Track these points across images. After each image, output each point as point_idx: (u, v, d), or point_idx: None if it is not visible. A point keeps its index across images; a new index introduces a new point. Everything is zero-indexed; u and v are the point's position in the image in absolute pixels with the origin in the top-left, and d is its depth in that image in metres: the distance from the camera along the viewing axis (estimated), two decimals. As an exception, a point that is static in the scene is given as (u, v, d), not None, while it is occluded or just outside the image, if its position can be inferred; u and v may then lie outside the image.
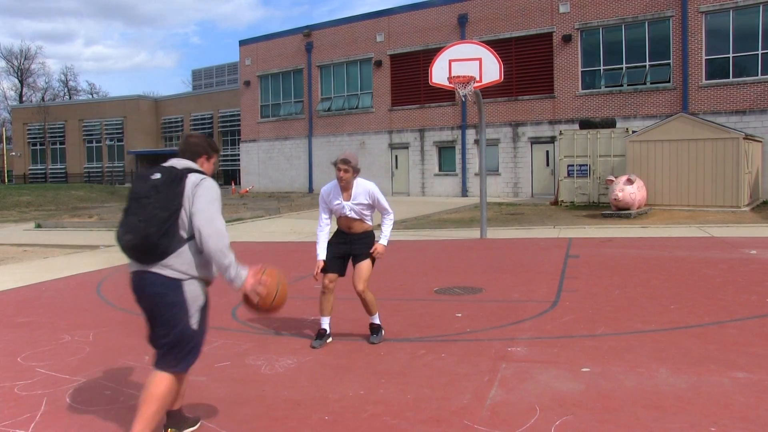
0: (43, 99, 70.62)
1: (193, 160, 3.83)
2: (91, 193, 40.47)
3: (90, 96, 78.55)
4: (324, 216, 5.95)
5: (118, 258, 12.58)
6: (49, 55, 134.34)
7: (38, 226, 20.39)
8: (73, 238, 16.61)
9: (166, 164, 3.70)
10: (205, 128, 50.73)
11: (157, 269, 3.54)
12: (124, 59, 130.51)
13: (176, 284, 3.55)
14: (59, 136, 57.27)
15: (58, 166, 57.39)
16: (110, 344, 6.12)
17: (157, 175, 3.58)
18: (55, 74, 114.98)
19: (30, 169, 58.61)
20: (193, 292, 3.63)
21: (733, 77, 23.34)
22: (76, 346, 6.09)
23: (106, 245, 14.92)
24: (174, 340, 3.60)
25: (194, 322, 3.67)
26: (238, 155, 42.08)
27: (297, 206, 24.75)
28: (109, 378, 5.06)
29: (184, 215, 3.55)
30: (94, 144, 55.90)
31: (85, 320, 7.18)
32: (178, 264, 3.54)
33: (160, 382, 3.56)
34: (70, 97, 76.63)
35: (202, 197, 3.57)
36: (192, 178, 3.63)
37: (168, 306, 3.56)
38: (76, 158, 56.35)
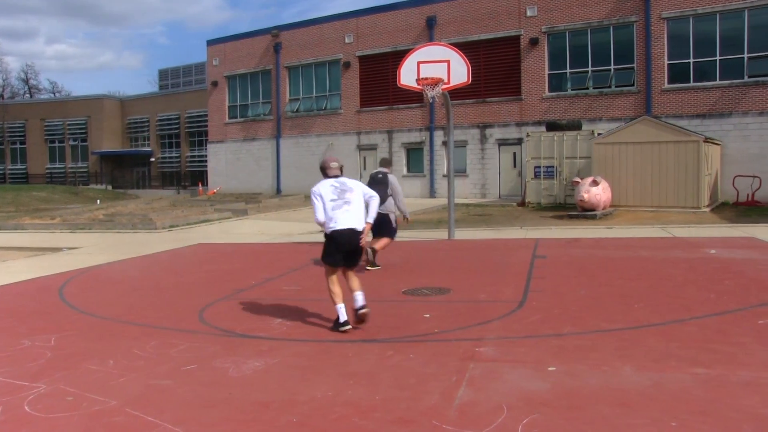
0: (1, 97, 69.09)
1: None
2: (54, 194, 39.79)
3: (52, 95, 77.08)
4: None
5: (81, 260, 12.40)
6: (8, 52, 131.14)
7: (-1, 228, 19.96)
8: (34, 241, 16.31)
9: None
10: (171, 129, 50.14)
11: None
12: (88, 58, 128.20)
13: None
14: (19, 136, 56.03)
15: (18, 167, 56.16)
16: (73, 349, 6.02)
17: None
18: (14, 72, 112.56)
19: (-13, 170, 57.29)
20: None
21: (694, 81, 23.80)
22: (36, 351, 5.97)
23: (69, 247, 14.67)
24: None
25: None
26: (206, 156, 41.67)
27: (265, 207, 24.60)
28: (71, 384, 4.97)
29: None
30: (57, 144, 54.85)
31: (47, 324, 7.05)
32: None
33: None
34: (31, 96, 75.09)
35: None
36: None
37: None
38: (37, 158, 55.24)
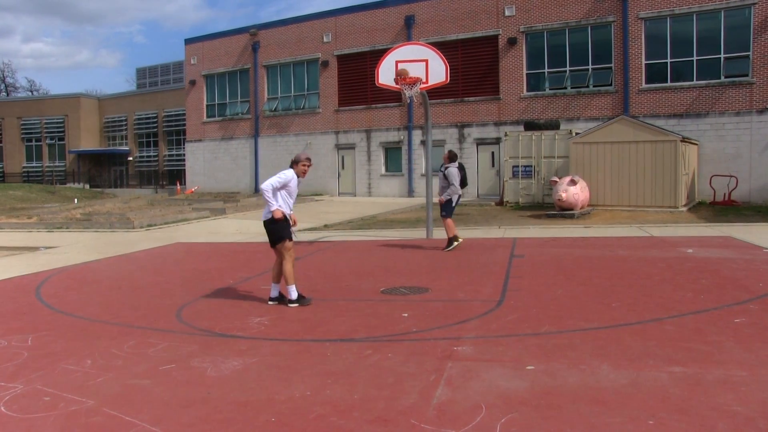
0: (-23, 95, 67.99)
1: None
2: (31, 193, 39.27)
3: (29, 93, 76.04)
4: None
5: (58, 260, 12.25)
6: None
7: (-27, 227, 19.65)
8: (11, 240, 16.09)
9: None
10: (149, 128, 49.71)
11: None
12: (65, 57, 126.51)
13: None
14: (-5, 135, 55.24)
15: (-6, 166, 55.38)
16: (50, 349, 5.95)
17: None
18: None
19: (-37, 169, 56.35)
20: None
21: (671, 82, 24.06)
22: (13, 351, 5.90)
23: (46, 247, 14.50)
24: None
25: None
26: (184, 155, 41.38)
27: (243, 206, 24.46)
28: (48, 384, 4.92)
29: None
30: (34, 143, 54.12)
31: (24, 324, 6.96)
32: None
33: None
34: (7, 94, 74.01)
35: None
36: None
37: None
38: (14, 157, 54.46)
